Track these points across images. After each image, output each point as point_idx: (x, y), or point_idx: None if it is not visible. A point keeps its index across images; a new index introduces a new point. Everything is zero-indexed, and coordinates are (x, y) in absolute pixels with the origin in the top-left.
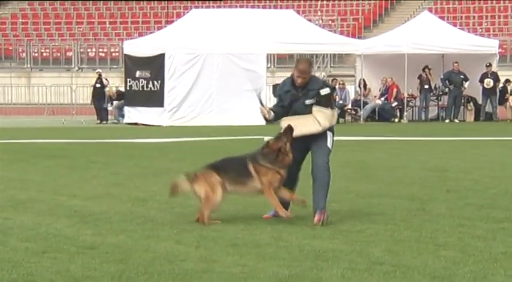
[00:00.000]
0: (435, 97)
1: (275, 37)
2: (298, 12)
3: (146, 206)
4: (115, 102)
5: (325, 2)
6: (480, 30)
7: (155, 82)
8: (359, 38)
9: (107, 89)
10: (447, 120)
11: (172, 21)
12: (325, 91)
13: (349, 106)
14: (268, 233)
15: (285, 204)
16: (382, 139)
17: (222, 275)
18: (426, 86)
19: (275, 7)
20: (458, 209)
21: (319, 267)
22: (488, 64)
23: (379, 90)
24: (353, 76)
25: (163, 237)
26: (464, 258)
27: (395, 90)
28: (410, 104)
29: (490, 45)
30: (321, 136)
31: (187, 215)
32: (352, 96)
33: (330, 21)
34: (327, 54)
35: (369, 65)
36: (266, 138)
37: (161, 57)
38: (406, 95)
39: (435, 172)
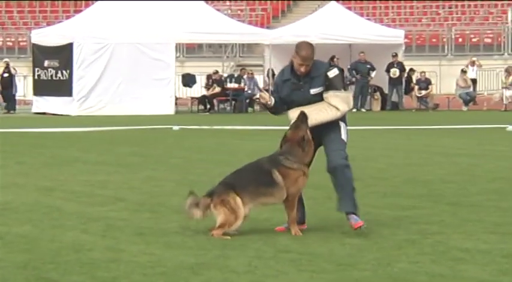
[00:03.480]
0: None
1: (184, 27)
2: (207, 2)
3: (53, 195)
4: None
5: None
6: (386, 20)
7: (64, 71)
8: (267, 27)
9: None
10: (354, 110)
11: (81, 11)
12: (333, 72)
13: (258, 96)
14: (175, 222)
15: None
16: None
17: (129, 264)
18: None
19: None
20: (363, 197)
21: (226, 256)
22: (394, 54)
23: None
24: (261, 66)
25: (69, 227)
26: (369, 246)
27: None
28: None
29: (396, 36)
30: (333, 128)
31: (93, 205)
32: (261, 85)
33: (239, 11)
34: (235, 44)
35: (278, 55)
36: (175, 128)
37: (69, 46)
38: None
39: None
